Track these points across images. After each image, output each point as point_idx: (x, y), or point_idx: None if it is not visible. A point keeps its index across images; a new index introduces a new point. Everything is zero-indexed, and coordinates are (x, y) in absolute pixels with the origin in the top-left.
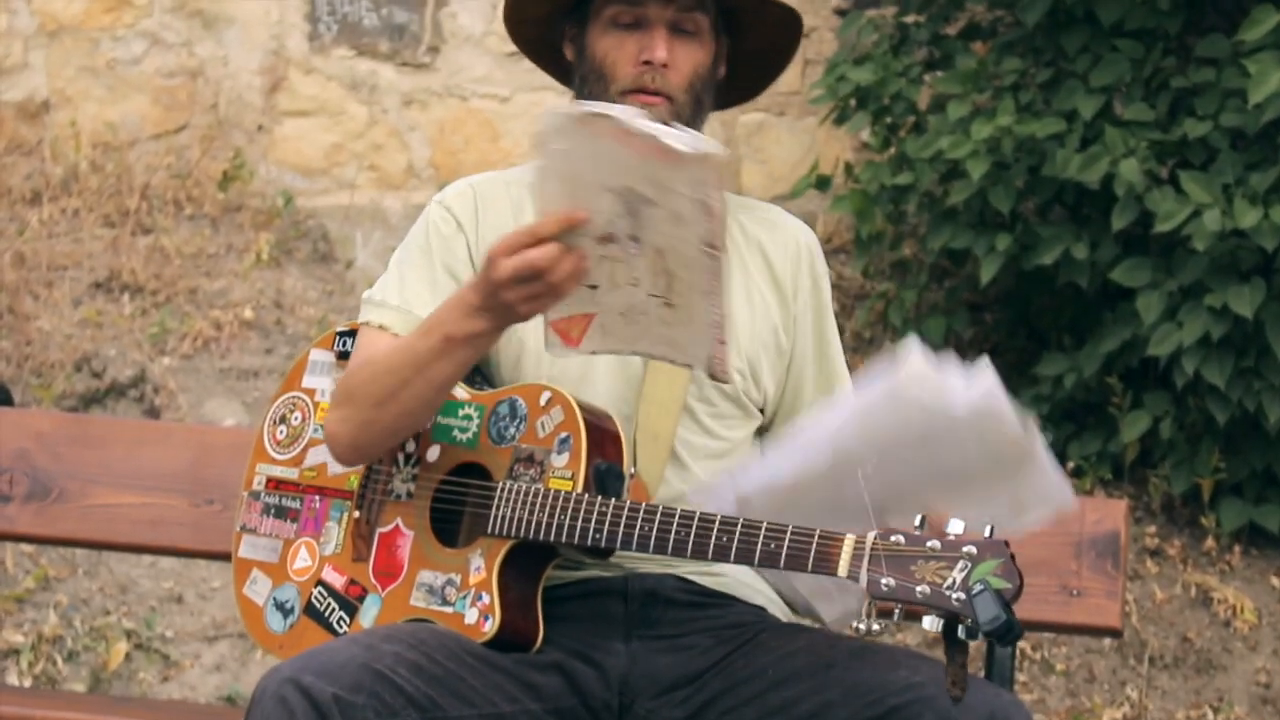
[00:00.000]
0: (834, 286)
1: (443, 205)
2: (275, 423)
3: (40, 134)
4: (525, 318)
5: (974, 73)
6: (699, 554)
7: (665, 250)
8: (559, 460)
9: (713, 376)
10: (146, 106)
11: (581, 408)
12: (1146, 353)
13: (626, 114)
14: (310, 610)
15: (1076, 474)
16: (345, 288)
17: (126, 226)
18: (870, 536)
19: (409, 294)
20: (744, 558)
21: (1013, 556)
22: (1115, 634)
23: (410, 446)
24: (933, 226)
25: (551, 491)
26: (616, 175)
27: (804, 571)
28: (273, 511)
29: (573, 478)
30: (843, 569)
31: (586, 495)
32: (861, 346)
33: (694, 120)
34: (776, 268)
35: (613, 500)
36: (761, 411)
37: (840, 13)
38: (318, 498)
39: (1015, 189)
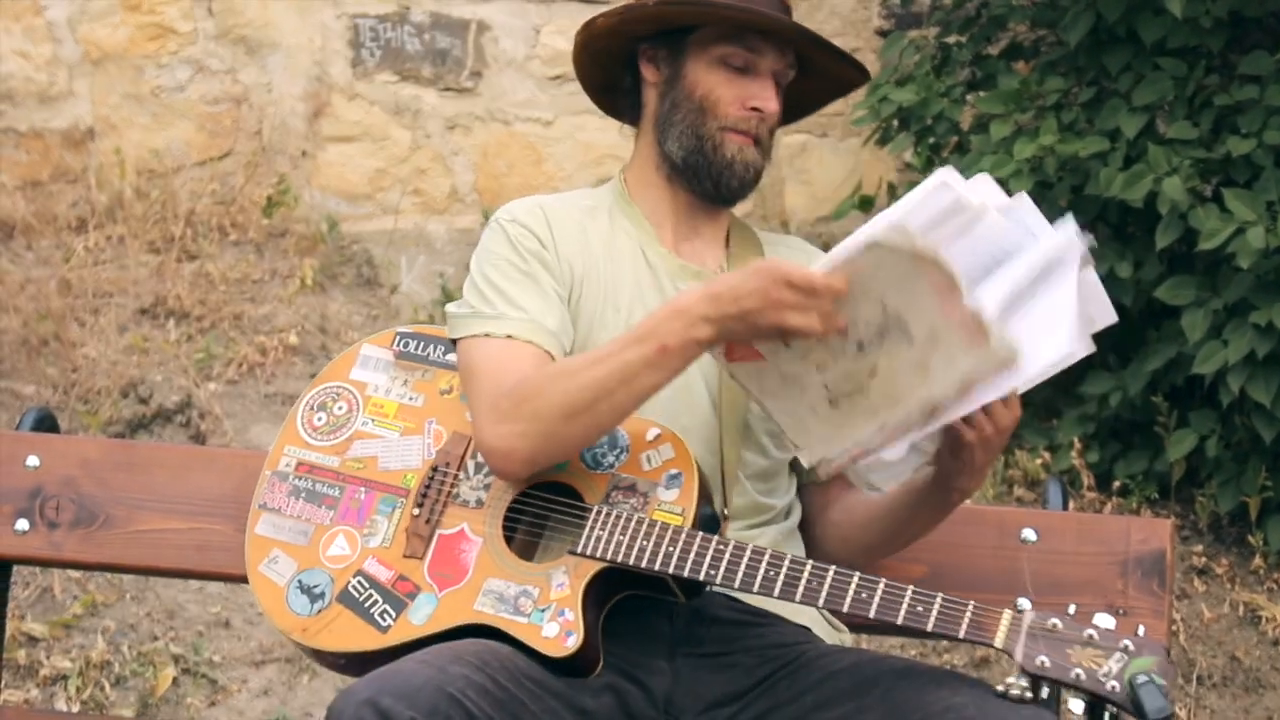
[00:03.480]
0: None
1: (518, 224)
2: (312, 408)
3: (85, 161)
4: (750, 335)
5: (1016, 92)
6: (834, 604)
7: (880, 373)
8: (668, 495)
9: (811, 467)
10: (191, 133)
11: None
12: (1192, 371)
13: (964, 280)
14: (346, 598)
15: (1123, 493)
16: (390, 312)
17: (172, 253)
18: (1027, 615)
19: (526, 305)
20: (889, 612)
21: (1168, 651)
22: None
23: (482, 456)
24: None
25: (658, 523)
26: (905, 306)
27: (956, 639)
28: (303, 495)
29: (683, 514)
30: (999, 640)
31: (699, 532)
32: None
33: (769, 151)
34: None
35: (728, 540)
36: None
37: (882, 34)
38: (362, 489)
39: (1059, 208)
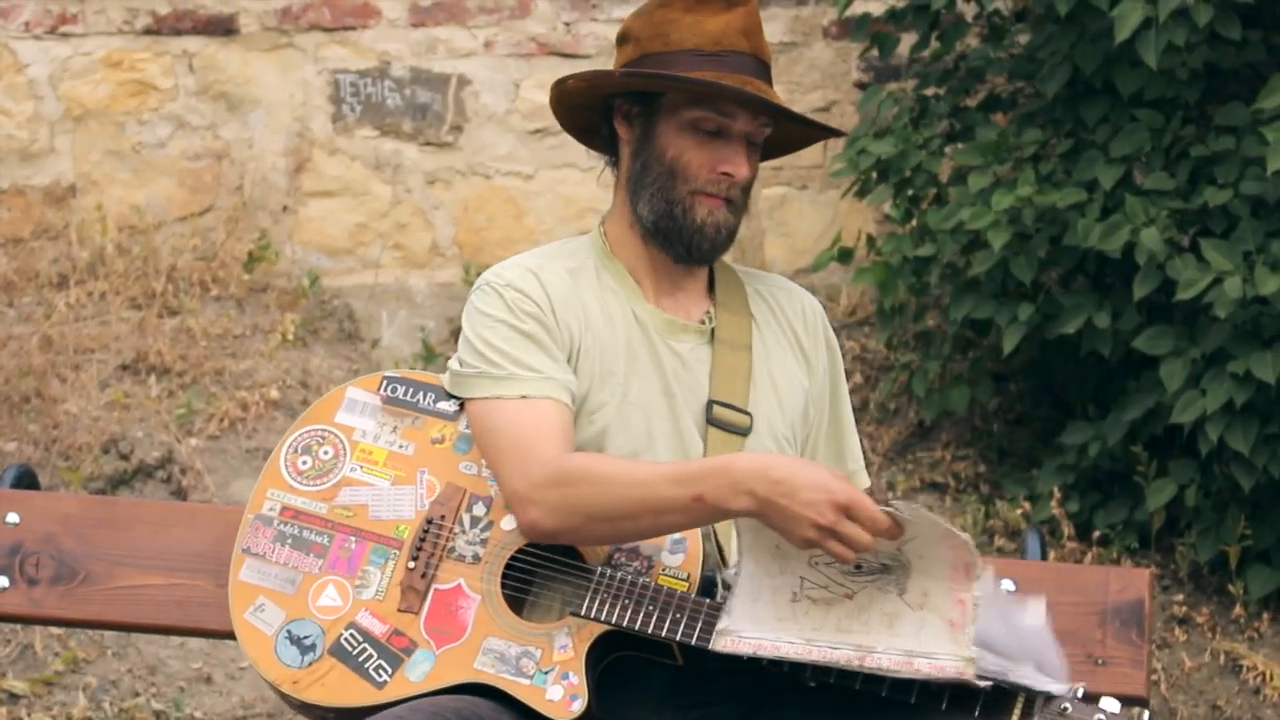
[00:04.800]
0: (858, 358)
1: (514, 289)
2: (296, 451)
3: (67, 218)
4: (783, 529)
5: (994, 144)
6: (846, 679)
7: (856, 601)
8: (672, 560)
9: (692, 642)
10: (172, 189)
11: None
12: (1170, 420)
13: (980, 569)
14: (338, 651)
15: (1103, 543)
16: (371, 366)
17: (153, 309)
18: (1040, 701)
19: (533, 363)
20: (901, 691)
21: None
22: (1142, 703)
23: (480, 510)
24: (955, 297)
25: (664, 588)
26: (917, 561)
27: (971, 716)
28: (289, 541)
29: (688, 579)
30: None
31: (706, 599)
32: (886, 418)
33: (743, 212)
34: (801, 338)
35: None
36: None
37: (861, 86)
38: (353, 539)
39: (1037, 259)
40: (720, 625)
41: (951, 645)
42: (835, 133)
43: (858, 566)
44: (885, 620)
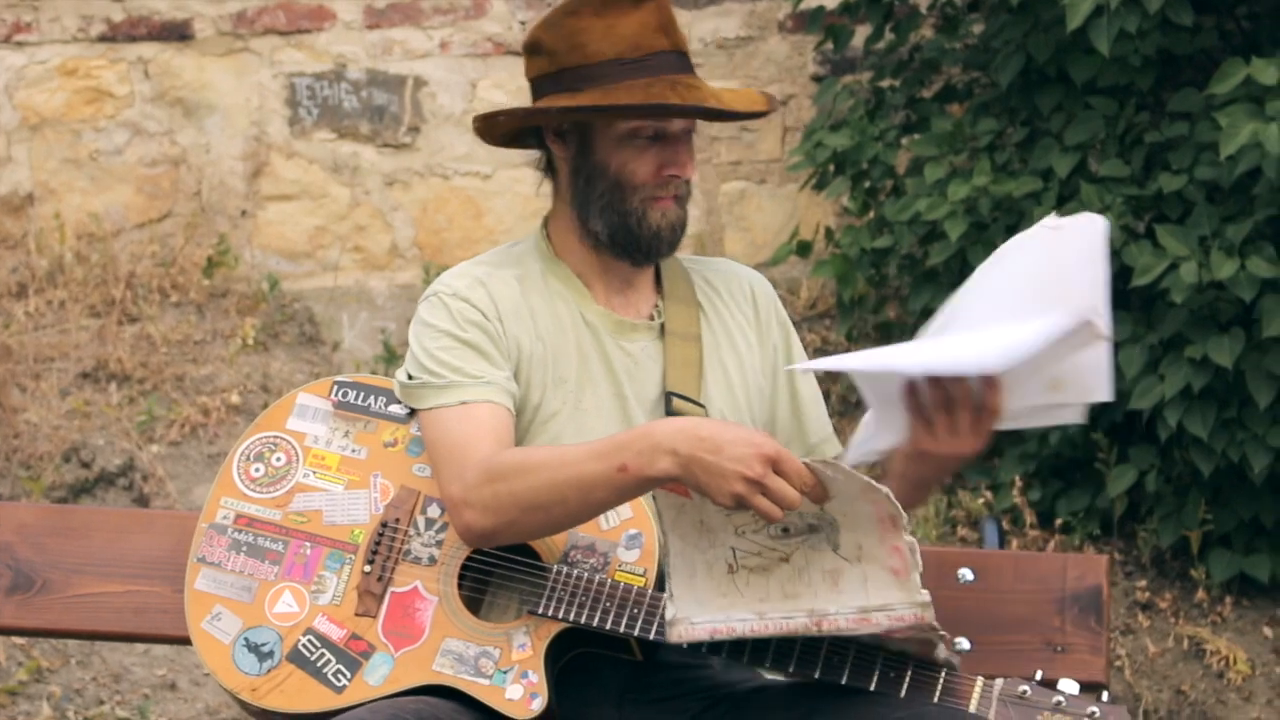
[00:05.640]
0: (819, 351)
1: (459, 298)
2: (249, 459)
3: (25, 227)
4: (708, 489)
5: (950, 135)
6: (805, 668)
7: (793, 563)
8: (628, 555)
9: (667, 620)
10: (130, 196)
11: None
12: (1129, 406)
13: (906, 518)
14: (296, 657)
15: (1065, 530)
16: (333, 369)
17: (112, 316)
18: (998, 683)
19: (472, 370)
20: (860, 679)
21: (1133, 714)
22: (1102, 689)
23: (434, 512)
24: (914, 288)
25: (621, 584)
26: (843, 517)
27: (930, 704)
28: (244, 549)
29: (645, 574)
30: (973, 705)
31: (664, 592)
32: (848, 410)
33: (688, 199)
34: (750, 321)
35: None
36: None
37: (817, 79)
38: (308, 544)
39: (994, 248)
40: (668, 615)
41: (901, 593)
42: (763, 114)
43: (785, 530)
44: (828, 578)
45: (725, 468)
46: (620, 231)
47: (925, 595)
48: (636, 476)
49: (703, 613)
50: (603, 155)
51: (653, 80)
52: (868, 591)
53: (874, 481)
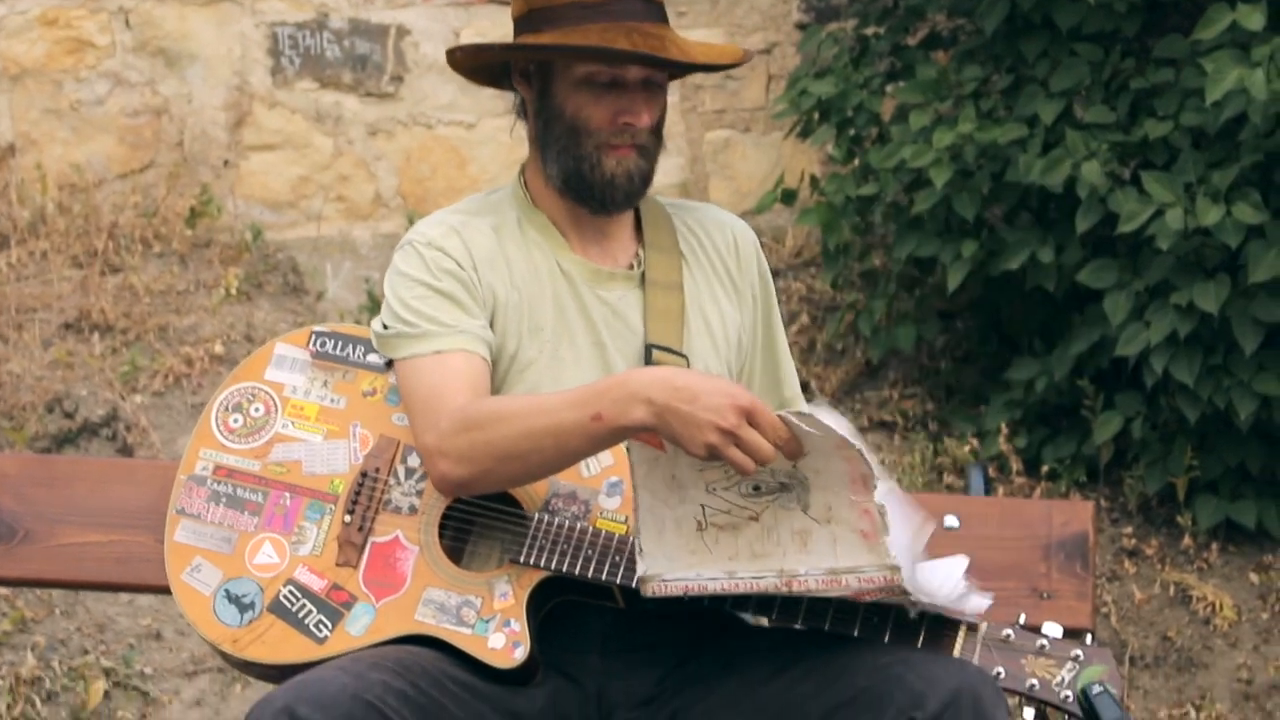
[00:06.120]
0: (804, 299)
1: (434, 247)
2: (227, 409)
3: (6, 178)
4: (681, 439)
5: (935, 82)
6: (787, 617)
7: (762, 522)
8: (609, 503)
9: (637, 577)
10: (112, 146)
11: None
12: (1115, 353)
13: (878, 478)
14: (277, 608)
15: (1051, 477)
16: (317, 319)
17: (95, 266)
18: (983, 627)
19: (445, 319)
20: (843, 626)
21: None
22: (1087, 634)
23: (414, 461)
24: (899, 236)
25: (602, 532)
26: (814, 476)
27: (915, 649)
28: (224, 500)
29: (626, 522)
30: (957, 650)
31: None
32: (833, 358)
33: (656, 152)
34: (731, 270)
35: None
36: None
37: (801, 27)
38: (287, 495)
39: (980, 195)
40: (640, 571)
41: (871, 556)
42: (733, 65)
43: (755, 488)
44: (797, 539)
45: (700, 417)
46: (574, 177)
47: (894, 559)
48: (611, 425)
49: (673, 569)
50: (560, 99)
51: (610, 25)
52: (836, 553)
53: (849, 437)
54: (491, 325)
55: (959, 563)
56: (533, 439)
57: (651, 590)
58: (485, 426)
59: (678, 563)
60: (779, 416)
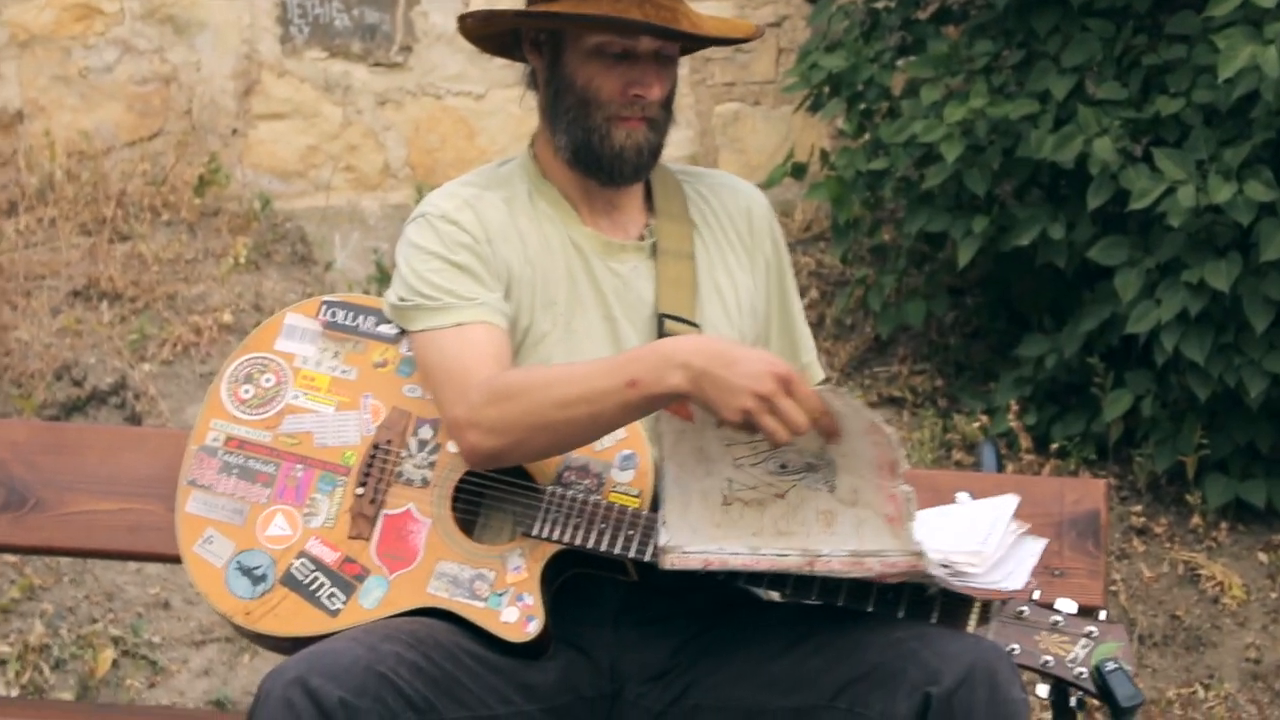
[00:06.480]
0: (813, 274)
1: (448, 220)
2: (237, 380)
3: (15, 145)
4: (717, 406)
5: (946, 56)
6: (801, 591)
7: (788, 500)
8: (622, 476)
9: (658, 547)
10: (120, 114)
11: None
12: (1126, 331)
13: (904, 464)
14: (290, 581)
15: (1061, 455)
16: (325, 289)
17: (103, 234)
18: (996, 604)
19: (464, 291)
20: (857, 601)
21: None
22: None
23: (426, 433)
24: (909, 211)
25: (615, 505)
26: (841, 458)
27: (927, 624)
28: (235, 471)
29: (639, 495)
30: (971, 626)
31: (657, 515)
32: (843, 333)
33: (666, 125)
34: (744, 237)
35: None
36: None
37: (812, 0)
38: (299, 466)
39: (990, 171)
40: (661, 541)
41: (895, 541)
42: (745, 39)
43: (782, 466)
44: (821, 519)
45: (737, 383)
46: (583, 148)
47: (919, 544)
48: (646, 392)
49: (696, 541)
50: (571, 69)
51: None
52: (860, 536)
53: (880, 422)
54: (506, 299)
55: (1009, 502)
56: (566, 408)
57: (670, 563)
58: (516, 396)
59: (701, 535)
60: (815, 391)
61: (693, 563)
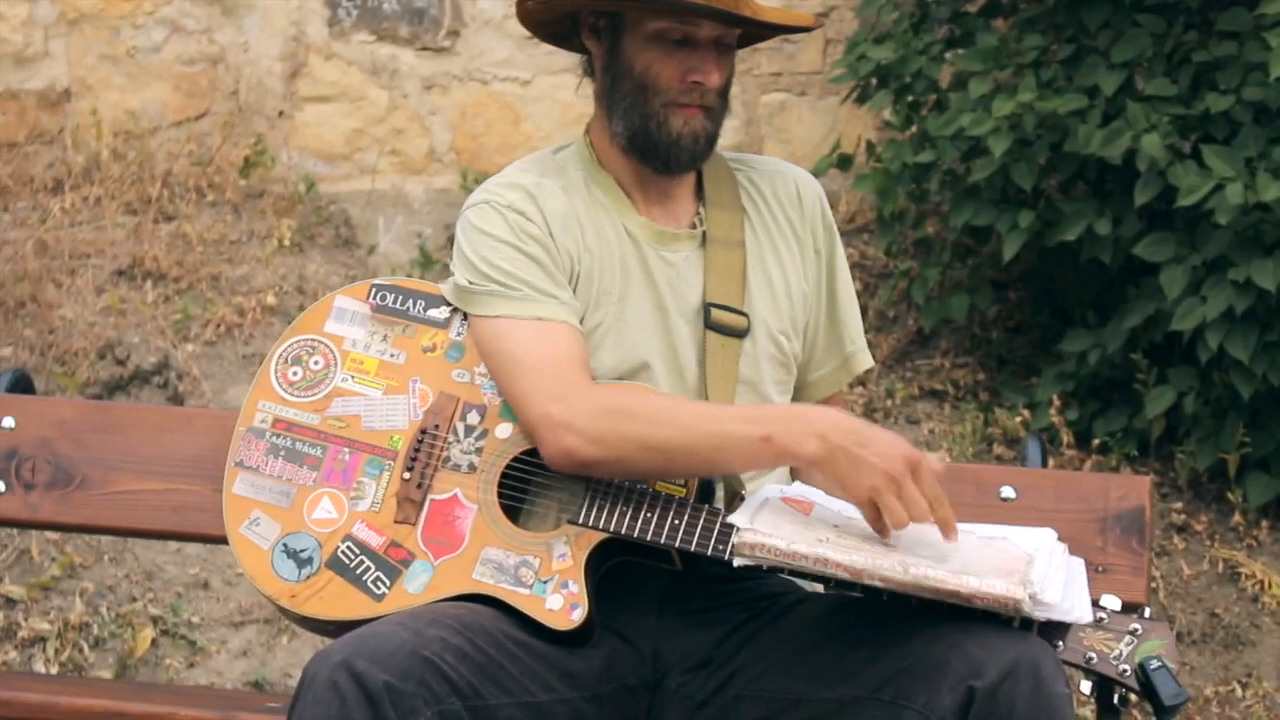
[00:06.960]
0: (856, 265)
1: (514, 210)
2: (286, 362)
3: (62, 123)
4: (845, 482)
5: (995, 50)
6: (845, 585)
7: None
8: None
9: (733, 527)
10: (167, 94)
11: None
12: (1170, 328)
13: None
14: (335, 564)
15: (1102, 450)
16: (368, 273)
17: (149, 214)
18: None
19: (543, 286)
20: (901, 596)
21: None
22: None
23: (474, 419)
24: (955, 204)
25: (662, 494)
26: (959, 547)
27: (971, 618)
28: (282, 454)
29: (685, 485)
30: (1016, 624)
31: (704, 505)
32: (885, 325)
33: (722, 114)
34: (795, 223)
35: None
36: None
37: None
38: (346, 450)
39: (1037, 165)
40: (738, 520)
41: (1004, 580)
42: (805, 29)
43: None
44: (933, 555)
45: (870, 461)
46: (640, 135)
47: (1024, 591)
48: (779, 449)
49: (776, 536)
50: (630, 54)
51: None
52: (965, 576)
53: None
54: (574, 295)
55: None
56: (690, 442)
57: (738, 552)
58: (637, 417)
59: (781, 530)
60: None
61: (756, 549)
